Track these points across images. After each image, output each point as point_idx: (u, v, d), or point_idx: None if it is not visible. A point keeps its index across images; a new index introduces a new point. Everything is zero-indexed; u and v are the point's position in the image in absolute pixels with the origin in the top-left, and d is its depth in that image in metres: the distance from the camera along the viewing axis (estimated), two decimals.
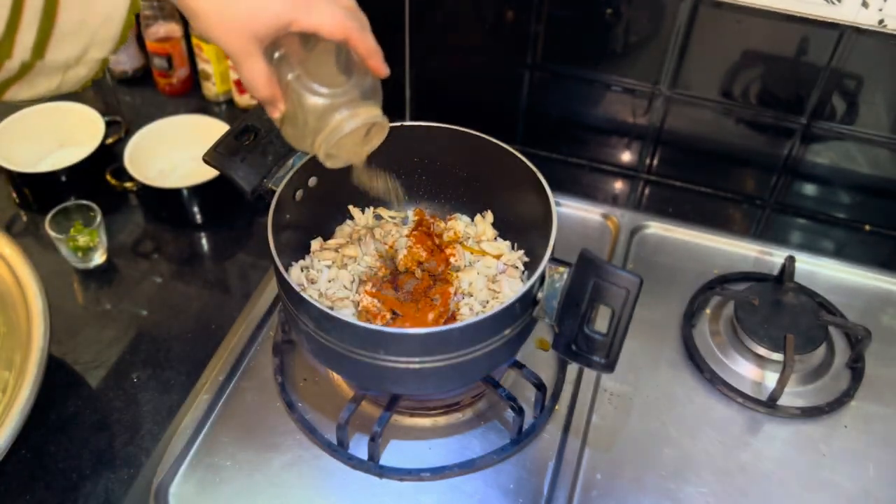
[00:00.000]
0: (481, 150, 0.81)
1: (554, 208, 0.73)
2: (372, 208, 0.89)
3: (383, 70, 0.61)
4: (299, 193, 0.78)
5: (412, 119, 1.02)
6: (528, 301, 0.68)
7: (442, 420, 0.81)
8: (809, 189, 1.04)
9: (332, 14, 0.56)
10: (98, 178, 1.04)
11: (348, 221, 0.88)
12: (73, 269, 0.95)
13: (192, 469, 0.77)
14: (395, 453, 0.78)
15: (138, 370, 0.84)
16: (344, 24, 0.56)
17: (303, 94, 0.60)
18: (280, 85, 0.59)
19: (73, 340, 0.87)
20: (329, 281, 0.80)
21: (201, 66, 1.16)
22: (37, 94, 0.54)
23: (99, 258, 0.95)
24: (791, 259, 0.93)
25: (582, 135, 1.09)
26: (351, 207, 0.88)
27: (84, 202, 0.94)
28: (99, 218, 0.93)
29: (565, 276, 0.66)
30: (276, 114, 0.61)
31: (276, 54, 0.59)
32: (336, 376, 0.84)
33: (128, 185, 1.03)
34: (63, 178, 1.01)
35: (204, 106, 1.20)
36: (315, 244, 0.84)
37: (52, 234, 0.92)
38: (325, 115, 0.60)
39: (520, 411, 0.76)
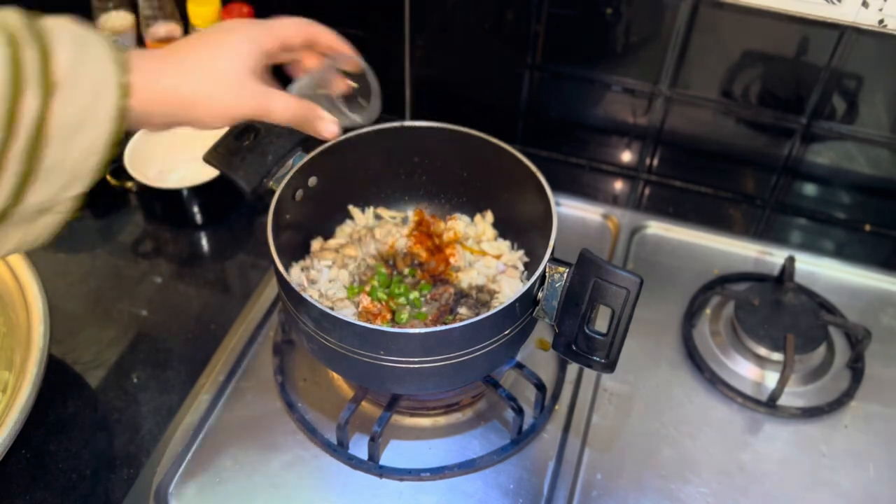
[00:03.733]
0: (481, 150, 0.81)
1: (554, 208, 0.73)
2: (372, 208, 0.89)
3: (352, 53, 0.65)
4: (299, 193, 0.78)
5: (412, 119, 1.02)
6: (528, 301, 0.68)
7: (442, 420, 0.81)
8: (809, 189, 1.04)
9: (289, 20, 0.61)
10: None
11: (348, 221, 0.88)
12: (73, 268, 0.95)
13: (192, 469, 0.77)
14: (394, 453, 0.78)
15: (138, 370, 0.84)
16: (302, 23, 0.61)
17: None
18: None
19: (73, 340, 0.87)
20: (329, 281, 0.80)
21: None
22: (3, 253, 0.50)
23: None
24: (791, 259, 0.93)
25: (582, 135, 1.09)
26: (351, 207, 0.88)
27: None
28: None
29: (565, 276, 0.66)
30: (328, 127, 0.63)
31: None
32: (336, 376, 0.84)
33: (128, 185, 1.03)
34: None
35: None
36: (315, 244, 0.84)
37: None
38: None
39: (520, 411, 0.76)
